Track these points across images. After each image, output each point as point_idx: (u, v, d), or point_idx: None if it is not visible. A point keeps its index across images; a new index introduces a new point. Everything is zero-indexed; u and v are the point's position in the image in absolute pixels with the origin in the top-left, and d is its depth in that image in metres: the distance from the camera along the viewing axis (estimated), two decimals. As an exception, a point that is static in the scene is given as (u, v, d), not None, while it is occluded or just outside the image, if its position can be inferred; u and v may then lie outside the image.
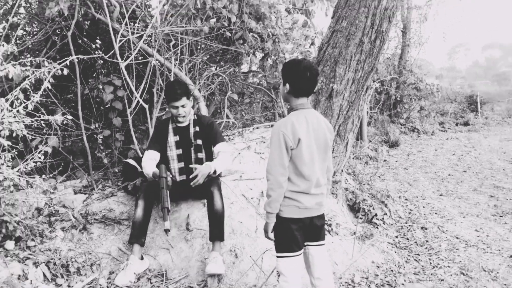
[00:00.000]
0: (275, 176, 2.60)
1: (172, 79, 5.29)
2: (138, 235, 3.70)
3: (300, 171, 2.65)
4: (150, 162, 3.87)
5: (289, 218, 2.70)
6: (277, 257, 2.78)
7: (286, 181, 2.64)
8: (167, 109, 5.31)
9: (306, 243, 2.86)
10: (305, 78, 2.64)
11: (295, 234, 2.72)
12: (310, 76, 2.65)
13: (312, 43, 7.56)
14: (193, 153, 4.02)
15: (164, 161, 3.95)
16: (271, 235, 2.75)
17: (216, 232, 3.68)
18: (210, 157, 4.09)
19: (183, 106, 3.87)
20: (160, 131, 4.05)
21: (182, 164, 4.00)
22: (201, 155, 4.03)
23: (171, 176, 3.83)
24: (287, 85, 2.69)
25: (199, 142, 4.02)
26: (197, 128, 4.04)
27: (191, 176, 3.71)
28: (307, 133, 2.65)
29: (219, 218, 3.71)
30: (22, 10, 5.56)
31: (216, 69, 6.44)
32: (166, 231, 3.49)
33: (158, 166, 3.76)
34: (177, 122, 4.00)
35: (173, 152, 4.00)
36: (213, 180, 3.89)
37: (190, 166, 3.94)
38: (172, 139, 4.00)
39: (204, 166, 3.75)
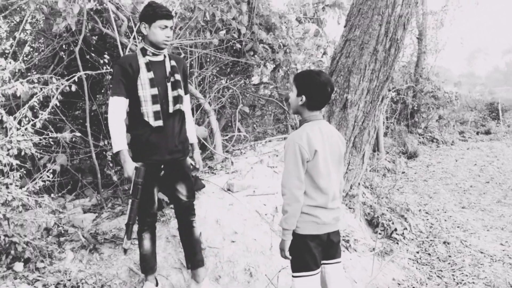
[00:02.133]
0: (292, 190, 2.57)
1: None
2: (149, 266, 3.53)
3: (317, 184, 2.63)
4: (120, 124, 3.19)
5: (307, 235, 2.68)
6: (294, 276, 2.75)
7: (303, 195, 2.61)
8: None
9: (322, 261, 2.83)
10: (325, 92, 2.63)
11: (313, 252, 2.69)
12: (330, 91, 2.65)
13: (325, 53, 7.59)
14: (171, 91, 3.34)
15: (133, 103, 3.28)
16: (288, 253, 2.72)
17: (200, 258, 3.60)
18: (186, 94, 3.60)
19: (171, 28, 3.29)
20: (127, 68, 3.22)
21: (157, 107, 3.25)
22: (181, 91, 3.39)
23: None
24: (303, 97, 2.66)
25: (178, 77, 3.38)
26: (173, 63, 3.41)
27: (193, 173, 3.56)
28: (322, 145, 2.64)
29: (199, 244, 3.65)
30: (28, 26, 5.66)
31: (226, 82, 6.49)
32: (125, 250, 3.24)
33: (136, 168, 3.17)
34: (153, 55, 3.32)
35: (146, 92, 3.23)
36: (189, 208, 3.57)
37: (192, 164, 3.62)
38: (145, 75, 3.23)
39: (196, 155, 3.63)
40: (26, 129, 3.47)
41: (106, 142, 5.17)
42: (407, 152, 11.59)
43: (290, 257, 2.73)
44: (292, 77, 6.76)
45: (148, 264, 3.51)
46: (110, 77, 5.56)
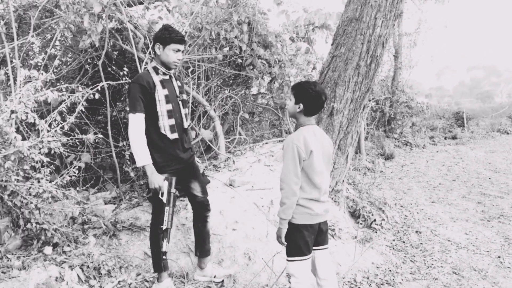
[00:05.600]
0: (290, 185, 2.58)
1: (191, 101, 5.32)
2: (165, 263, 3.31)
3: (312, 180, 2.65)
4: (143, 139, 3.04)
5: (302, 225, 2.68)
6: (289, 260, 2.75)
7: (299, 189, 2.62)
8: None
9: (313, 247, 2.83)
10: (320, 101, 2.65)
11: (306, 239, 2.69)
12: (324, 99, 2.66)
13: (314, 68, 7.59)
14: (182, 108, 3.29)
15: (151, 118, 3.13)
16: (284, 240, 2.71)
17: (208, 248, 3.55)
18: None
19: (182, 52, 3.25)
20: (145, 86, 3.07)
21: (172, 121, 3.16)
22: (187, 110, 3.38)
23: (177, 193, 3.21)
24: (301, 105, 2.66)
25: (185, 96, 3.34)
26: (179, 83, 3.36)
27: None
28: (316, 146, 2.65)
29: (209, 236, 3.58)
30: (58, 42, 5.65)
31: (229, 92, 6.49)
32: (165, 253, 3.14)
33: (167, 178, 3.13)
34: (164, 74, 3.21)
35: (162, 107, 3.12)
36: (204, 204, 3.50)
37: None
38: (161, 92, 3.11)
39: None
40: (55, 131, 3.47)
41: (124, 143, 5.17)
42: (385, 154, 11.59)
43: (285, 243, 2.73)
44: (286, 88, 6.79)
45: (163, 262, 3.29)
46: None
